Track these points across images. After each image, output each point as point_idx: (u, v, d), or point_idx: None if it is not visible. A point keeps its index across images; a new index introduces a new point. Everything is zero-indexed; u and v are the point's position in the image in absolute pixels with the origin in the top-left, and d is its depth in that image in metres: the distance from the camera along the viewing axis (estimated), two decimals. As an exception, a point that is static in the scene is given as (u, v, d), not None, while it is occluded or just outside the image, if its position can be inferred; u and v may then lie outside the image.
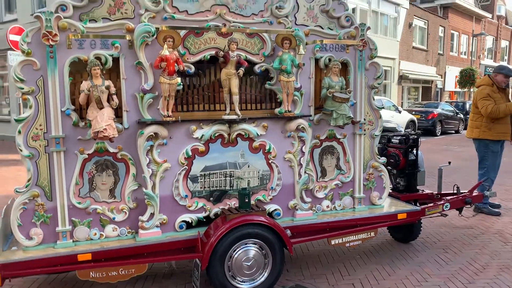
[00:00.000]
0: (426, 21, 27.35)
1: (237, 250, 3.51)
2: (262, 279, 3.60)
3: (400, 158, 4.71)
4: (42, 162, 3.32)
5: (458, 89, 30.73)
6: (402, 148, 4.76)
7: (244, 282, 3.57)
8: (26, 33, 3.18)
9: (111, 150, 3.45)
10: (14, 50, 10.61)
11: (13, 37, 10.64)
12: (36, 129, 3.27)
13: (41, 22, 3.17)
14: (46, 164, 3.32)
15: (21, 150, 3.25)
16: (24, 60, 3.20)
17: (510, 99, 6.06)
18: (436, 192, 5.03)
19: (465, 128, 19.68)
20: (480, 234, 5.17)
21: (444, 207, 4.69)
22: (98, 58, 3.32)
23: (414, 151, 4.79)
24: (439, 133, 18.50)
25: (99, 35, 3.31)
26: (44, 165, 3.32)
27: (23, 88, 3.21)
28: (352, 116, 3.95)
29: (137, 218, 3.55)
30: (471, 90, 30.93)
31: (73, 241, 3.41)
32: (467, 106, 21.70)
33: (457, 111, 20.56)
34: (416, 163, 4.78)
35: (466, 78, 26.98)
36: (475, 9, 31.84)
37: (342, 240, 3.98)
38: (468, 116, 20.83)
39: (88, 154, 3.40)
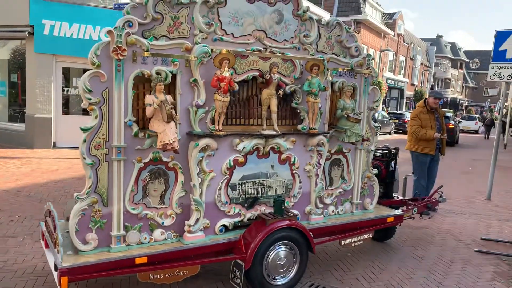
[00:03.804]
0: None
1: (272, 251, 3.95)
2: (292, 275, 4.08)
3: (383, 169, 5.49)
4: (102, 170, 3.46)
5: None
6: (384, 160, 5.54)
7: (276, 279, 4.02)
8: (97, 46, 3.31)
9: (164, 159, 3.69)
10: None
11: None
12: (99, 138, 3.41)
13: (112, 37, 3.32)
14: (106, 172, 3.47)
15: (84, 158, 3.36)
16: (93, 72, 3.32)
17: (440, 120, 7.10)
18: (406, 198, 5.91)
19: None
20: (435, 233, 6.17)
21: (413, 211, 5.58)
22: (158, 73, 3.54)
23: (393, 163, 5.60)
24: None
25: (163, 54, 3.53)
26: (103, 173, 3.46)
27: (90, 99, 3.33)
28: (363, 134, 4.60)
29: (181, 222, 3.82)
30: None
31: (126, 245, 3.59)
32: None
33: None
34: (394, 173, 5.60)
35: None
36: (382, 26, 35.03)
37: (350, 240, 4.62)
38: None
39: (144, 163, 3.61)
